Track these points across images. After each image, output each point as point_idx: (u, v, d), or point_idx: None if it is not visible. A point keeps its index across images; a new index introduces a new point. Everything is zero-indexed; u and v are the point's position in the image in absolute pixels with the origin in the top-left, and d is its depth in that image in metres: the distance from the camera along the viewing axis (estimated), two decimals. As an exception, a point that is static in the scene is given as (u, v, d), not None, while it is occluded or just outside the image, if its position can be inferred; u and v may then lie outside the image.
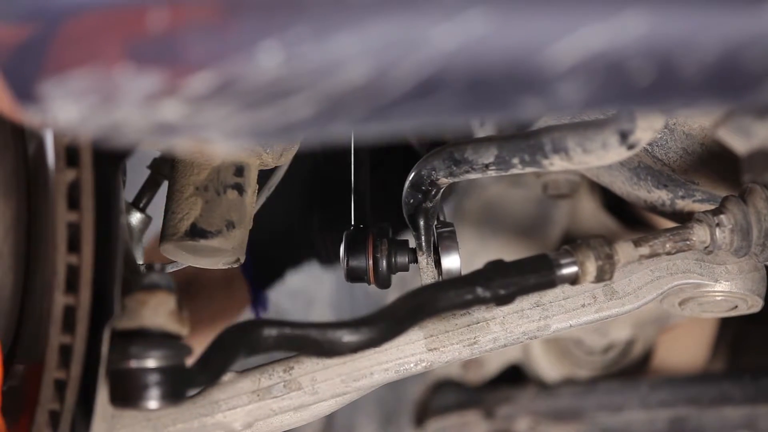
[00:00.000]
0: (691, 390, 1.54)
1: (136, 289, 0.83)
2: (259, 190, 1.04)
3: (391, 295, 1.37)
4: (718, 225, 0.95)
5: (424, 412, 1.67)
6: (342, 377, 0.97)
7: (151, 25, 0.60)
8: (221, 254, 1.01)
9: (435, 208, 1.01)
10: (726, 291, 1.03)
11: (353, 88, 0.61)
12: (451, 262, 1.00)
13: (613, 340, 1.64)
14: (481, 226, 1.53)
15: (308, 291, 1.68)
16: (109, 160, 0.83)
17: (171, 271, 1.07)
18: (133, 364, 0.81)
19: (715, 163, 1.05)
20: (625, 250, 0.92)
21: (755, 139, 0.81)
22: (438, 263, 1.01)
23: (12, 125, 0.87)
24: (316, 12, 0.59)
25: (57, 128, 0.72)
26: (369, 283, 1.03)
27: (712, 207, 0.98)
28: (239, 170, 1.00)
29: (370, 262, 1.01)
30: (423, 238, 1.01)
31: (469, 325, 0.99)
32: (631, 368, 1.68)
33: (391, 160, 1.29)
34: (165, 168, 1.10)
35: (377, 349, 0.95)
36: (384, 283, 1.02)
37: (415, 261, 1.02)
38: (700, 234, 0.95)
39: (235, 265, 1.04)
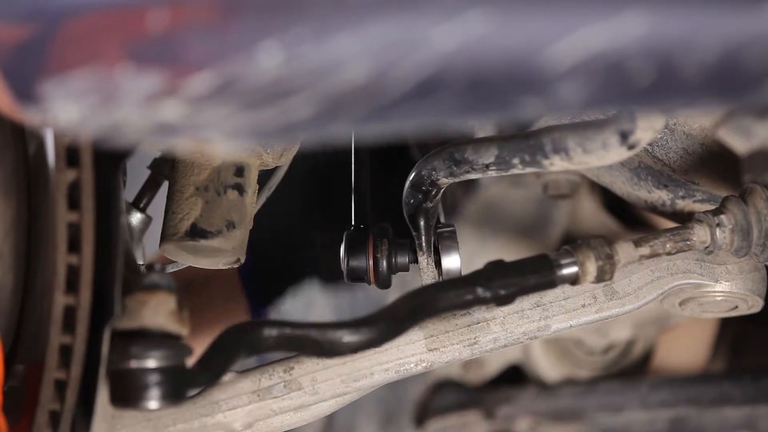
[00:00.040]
0: (691, 390, 1.54)
1: (137, 289, 0.83)
2: (260, 190, 1.04)
3: (392, 295, 1.37)
4: (718, 225, 0.95)
5: (424, 413, 1.67)
6: (342, 377, 0.97)
7: (151, 25, 0.60)
8: (221, 254, 1.01)
9: (435, 209, 1.01)
10: (726, 291, 1.03)
11: (353, 88, 0.61)
12: (452, 262, 1.00)
13: (614, 341, 1.64)
14: (481, 226, 1.52)
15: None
16: (109, 160, 0.83)
17: (171, 271, 1.07)
18: (134, 364, 0.81)
19: (716, 163, 1.05)
20: (625, 251, 0.92)
21: (755, 139, 0.81)
22: (438, 263, 1.01)
23: (12, 125, 0.87)
24: (316, 12, 0.60)
25: (57, 128, 0.72)
26: (369, 284, 1.03)
27: (713, 207, 0.98)
28: (239, 170, 1.00)
29: (371, 262, 1.01)
30: (423, 238, 1.01)
31: (469, 326, 0.99)
32: (631, 368, 1.67)
33: (391, 160, 1.29)
34: (165, 168, 1.10)
35: (377, 349, 0.95)
36: (384, 283, 1.02)
37: (416, 261, 1.02)
38: (700, 234, 0.95)
39: (236, 266, 1.04)
